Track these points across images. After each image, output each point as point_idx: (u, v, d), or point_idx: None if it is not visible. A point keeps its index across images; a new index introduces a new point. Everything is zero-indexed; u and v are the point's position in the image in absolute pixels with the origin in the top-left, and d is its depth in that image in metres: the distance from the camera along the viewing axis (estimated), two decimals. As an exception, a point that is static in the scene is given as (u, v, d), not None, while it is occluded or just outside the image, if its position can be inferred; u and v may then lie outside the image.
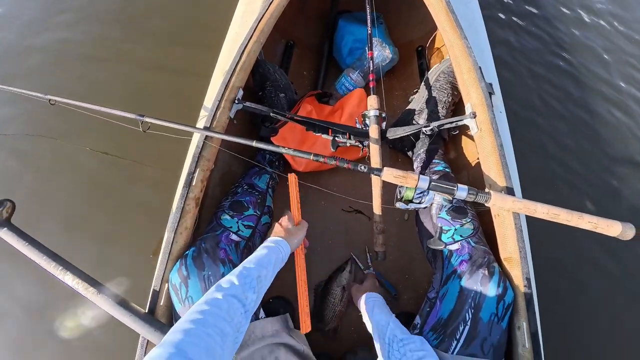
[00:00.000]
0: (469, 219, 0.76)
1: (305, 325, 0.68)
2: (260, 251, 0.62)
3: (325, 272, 0.99)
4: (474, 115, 0.77)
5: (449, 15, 0.84)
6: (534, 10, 1.78)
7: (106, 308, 0.61)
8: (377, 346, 0.63)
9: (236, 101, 0.83)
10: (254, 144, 0.73)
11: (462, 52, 0.80)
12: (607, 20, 1.81)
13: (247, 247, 0.75)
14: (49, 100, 0.89)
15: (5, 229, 0.67)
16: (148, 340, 0.62)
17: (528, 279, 0.62)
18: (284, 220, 0.73)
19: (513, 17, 1.73)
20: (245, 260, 0.59)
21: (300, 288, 0.70)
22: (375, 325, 0.66)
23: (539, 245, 0.89)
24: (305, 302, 0.69)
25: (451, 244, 0.73)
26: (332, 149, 0.94)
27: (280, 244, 0.65)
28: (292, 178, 0.79)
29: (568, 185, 1.27)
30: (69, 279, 0.63)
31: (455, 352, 0.59)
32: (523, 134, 1.33)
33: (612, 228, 0.61)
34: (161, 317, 0.65)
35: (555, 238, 1.13)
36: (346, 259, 1.04)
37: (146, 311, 0.63)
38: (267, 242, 0.65)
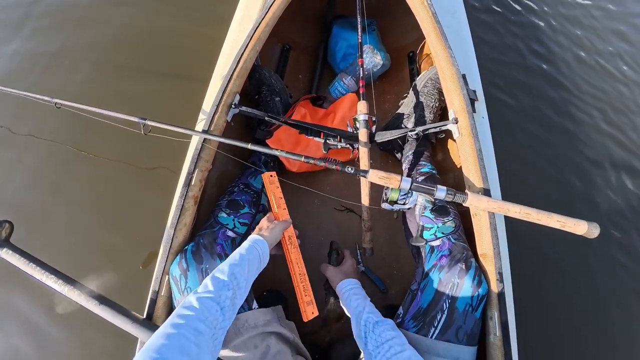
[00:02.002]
0: (451, 218, 0.82)
1: (306, 314, 0.71)
2: (234, 253, 0.66)
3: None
4: (456, 121, 0.82)
5: (435, 25, 0.89)
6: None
7: (108, 318, 0.65)
8: (354, 331, 0.68)
9: (233, 106, 0.88)
10: (250, 146, 0.78)
11: (446, 61, 0.85)
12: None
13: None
14: (55, 103, 0.94)
15: (6, 248, 0.70)
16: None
17: (500, 274, 0.67)
18: (262, 220, 0.76)
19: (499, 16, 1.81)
20: (222, 264, 0.63)
21: (295, 280, 0.73)
22: (352, 311, 0.71)
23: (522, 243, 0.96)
24: (303, 293, 0.72)
25: (433, 240, 0.78)
26: (323, 151, 0.99)
27: (255, 241, 0.69)
28: (266, 177, 0.81)
29: (546, 187, 1.37)
30: (72, 293, 0.67)
31: (433, 338, 0.64)
32: (507, 141, 1.41)
33: (579, 227, 0.66)
34: (159, 319, 0.70)
35: (543, 237, 1.20)
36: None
37: (144, 316, 0.68)
38: (243, 244, 0.69)
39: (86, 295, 0.67)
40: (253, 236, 0.70)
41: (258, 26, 0.92)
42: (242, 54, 0.89)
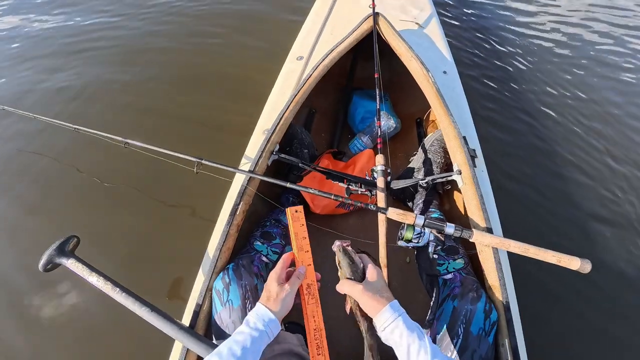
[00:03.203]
0: (460, 256, 0.92)
1: None
2: (241, 336, 0.59)
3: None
4: (460, 172, 0.98)
5: (439, 98, 1.11)
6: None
7: (156, 324, 0.73)
8: None
9: (274, 153, 1.06)
10: (288, 184, 0.93)
11: (449, 125, 1.05)
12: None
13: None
14: (125, 143, 1.13)
15: (72, 259, 0.82)
16: (188, 349, 0.74)
17: (507, 302, 0.75)
18: (271, 282, 0.65)
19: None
20: (222, 344, 0.59)
21: (309, 336, 0.64)
22: (403, 353, 0.58)
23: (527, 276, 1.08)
24: (316, 351, 0.62)
25: (445, 274, 0.87)
26: (345, 195, 1.13)
27: (265, 322, 0.61)
28: (291, 212, 0.71)
29: (545, 227, 1.59)
30: (126, 301, 0.76)
31: (450, 362, 0.69)
32: (508, 189, 1.66)
33: (573, 262, 0.76)
34: (200, 329, 0.78)
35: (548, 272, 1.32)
36: None
37: (188, 324, 0.76)
38: (251, 322, 0.62)
39: (139, 304, 0.76)
40: (263, 312, 0.62)
41: (297, 93, 1.15)
42: (284, 113, 1.10)
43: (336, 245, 0.70)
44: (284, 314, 0.64)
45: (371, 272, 0.66)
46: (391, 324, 0.59)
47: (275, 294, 0.64)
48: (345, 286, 0.65)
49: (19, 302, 1.33)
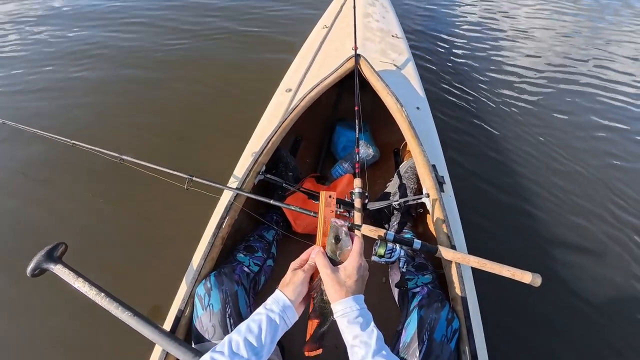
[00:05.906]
0: (429, 272, 1.00)
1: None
2: (253, 316, 0.63)
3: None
4: (428, 196, 1.09)
5: (411, 130, 1.25)
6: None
7: (139, 329, 0.76)
8: None
9: (260, 173, 1.14)
10: (272, 202, 1.01)
11: (419, 154, 1.17)
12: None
13: (254, 280, 0.95)
14: (120, 159, 1.20)
15: (60, 265, 0.86)
16: (167, 352, 0.76)
17: (468, 312, 0.83)
18: (288, 273, 0.69)
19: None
20: (241, 324, 0.62)
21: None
22: (349, 348, 0.61)
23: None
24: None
25: (414, 288, 0.94)
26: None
27: (282, 308, 0.64)
28: (325, 196, 0.75)
29: (501, 245, 1.71)
30: (110, 306, 0.79)
31: (415, 368, 0.75)
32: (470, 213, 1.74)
33: (525, 276, 0.85)
34: (180, 334, 0.81)
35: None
36: None
37: (169, 329, 0.80)
38: (271, 307, 0.64)
39: (122, 309, 0.79)
40: (279, 296, 0.65)
41: (285, 120, 1.27)
42: (272, 137, 1.20)
43: (333, 220, 0.70)
44: (298, 298, 0.65)
45: (349, 260, 0.66)
46: (341, 316, 0.61)
47: (288, 279, 0.67)
48: (318, 261, 0.66)
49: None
